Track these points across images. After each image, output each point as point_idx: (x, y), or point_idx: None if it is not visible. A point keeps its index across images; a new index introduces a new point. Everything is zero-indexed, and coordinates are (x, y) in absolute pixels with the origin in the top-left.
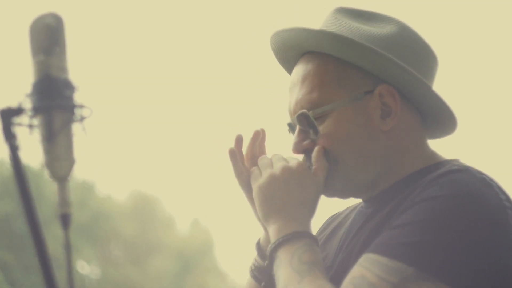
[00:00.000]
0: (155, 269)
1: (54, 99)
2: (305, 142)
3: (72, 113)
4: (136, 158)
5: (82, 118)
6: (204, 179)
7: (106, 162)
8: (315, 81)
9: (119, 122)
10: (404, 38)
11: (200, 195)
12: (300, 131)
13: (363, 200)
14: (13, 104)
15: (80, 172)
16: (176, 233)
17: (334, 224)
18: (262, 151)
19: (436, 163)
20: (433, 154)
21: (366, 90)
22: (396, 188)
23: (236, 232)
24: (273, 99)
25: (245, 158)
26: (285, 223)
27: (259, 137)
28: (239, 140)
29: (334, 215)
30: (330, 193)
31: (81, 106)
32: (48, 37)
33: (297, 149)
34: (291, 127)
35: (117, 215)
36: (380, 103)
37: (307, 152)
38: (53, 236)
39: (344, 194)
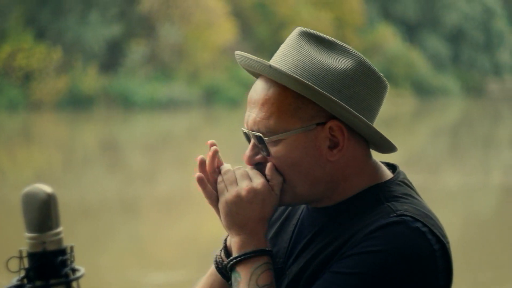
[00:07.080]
0: None
1: (50, 277)
2: (257, 157)
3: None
4: None
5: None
6: None
7: None
8: (273, 109)
9: None
10: (358, 73)
11: None
12: (254, 145)
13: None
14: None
15: None
16: None
17: (281, 210)
18: (219, 162)
19: (376, 185)
20: (373, 175)
21: (318, 122)
22: (343, 207)
23: None
24: None
25: (208, 173)
26: (247, 238)
27: (216, 153)
28: (202, 163)
29: None
30: (282, 204)
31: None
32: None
33: (249, 162)
34: (246, 136)
35: None
36: (330, 135)
37: (258, 165)
38: None
39: (294, 205)
